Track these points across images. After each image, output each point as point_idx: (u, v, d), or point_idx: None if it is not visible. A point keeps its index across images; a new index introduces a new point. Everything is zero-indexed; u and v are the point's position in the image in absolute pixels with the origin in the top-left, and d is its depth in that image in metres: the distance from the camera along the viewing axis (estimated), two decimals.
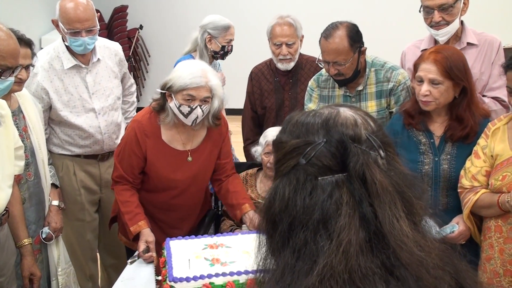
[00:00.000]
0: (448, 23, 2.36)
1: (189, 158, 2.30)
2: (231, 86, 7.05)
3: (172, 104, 2.16)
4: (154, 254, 2.10)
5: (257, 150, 2.70)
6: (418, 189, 0.83)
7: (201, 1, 7.48)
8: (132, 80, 2.97)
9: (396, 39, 4.66)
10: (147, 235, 2.15)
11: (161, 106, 2.21)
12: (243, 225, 2.59)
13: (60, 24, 2.42)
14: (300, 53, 2.96)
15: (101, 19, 7.91)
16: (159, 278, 1.96)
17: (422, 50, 2.52)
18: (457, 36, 2.45)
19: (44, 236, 2.24)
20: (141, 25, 7.26)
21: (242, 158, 3.23)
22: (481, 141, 1.99)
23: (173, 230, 2.35)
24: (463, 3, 2.38)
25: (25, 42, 2.08)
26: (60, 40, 2.54)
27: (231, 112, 6.46)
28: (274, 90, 3.01)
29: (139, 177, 2.31)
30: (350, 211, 0.77)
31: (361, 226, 0.76)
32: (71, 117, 2.55)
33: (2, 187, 1.82)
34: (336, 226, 0.76)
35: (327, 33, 2.31)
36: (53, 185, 2.36)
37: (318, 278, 0.73)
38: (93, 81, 2.60)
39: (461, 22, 2.47)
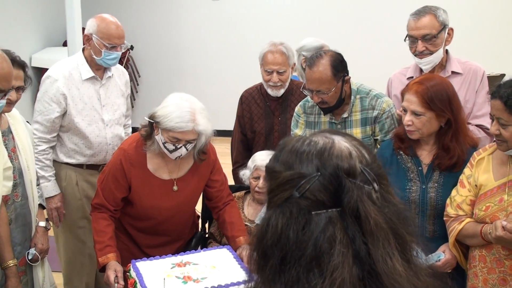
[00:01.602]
0: (431, 53, 2.42)
1: (175, 188, 2.31)
2: (221, 107, 7.11)
3: (158, 137, 2.18)
4: (122, 282, 2.08)
5: (245, 173, 2.71)
6: (411, 224, 0.83)
7: (192, 23, 7.55)
8: (130, 105, 3.09)
9: (383, 66, 4.75)
10: (115, 265, 2.13)
11: (148, 134, 2.22)
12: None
13: (97, 39, 2.61)
14: (291, 79, 2.99)
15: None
16: None
17: (408, 78, 2.57)
18: (442, 65, 2.51)
19: (30, 257, 2.20)
20: (131, 45, 7.31)
21: (230, 181, 3.24)
22: (466, 171, 2.02)
23: (158, 254, 2.34)
24: (448, 33, 2.45)
25: (18, 64, 2.10)
26: (80, 53, 2.75)
27: (220, 133, 6.50)
28: (264, 115, 3.03)
29: (119, 205, 2.31)
30: (343, 250, 0.76)
31: (354, 264, 0.76)
32: (82, 124, 2.69)
33: None
34: (330, 265, 0.75)
35: (311, 62, 2.35)
36: (40, 206, 2.35)
37: None
38: (104, 94, 2.78)
39: (446, 51, 2.53)
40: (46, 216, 2.47)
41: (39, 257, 2.24)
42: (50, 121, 2.64)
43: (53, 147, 2.74)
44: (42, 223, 2.30)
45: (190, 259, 2.12)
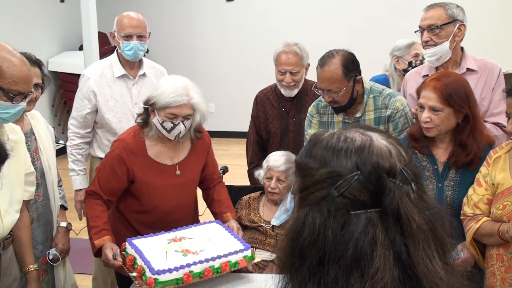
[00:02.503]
0: (436, 44, 2.41)
1: (178, 172, 2.35)
2: (237, 108, 7.10)
3: (155, 120, 2.23)
4: (120, 259, 2.09)
5: (260, 173, 2.73)
6: (447, 225, 0.81)
7: (207, 24, 7.59)
8: None
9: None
10: (111, 245, 2.15)
11: (144, 121, 2.27)
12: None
13: (116, 34, 2.81)
14: (305, 79, 2.99)
15: (108, 42, 8.01)
16: (134, 274, 1.98)
17: (423, 76, 2.56)
18: (457, 62, 2.50)
19: (51, 257, 2.25)
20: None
21: (246, 181, 3.25)
22: (483, 169, 2.00)
23: None
24: (459, 28, 2.42)
25: (34, 62, 2.15)
26: (115, 53, 2.92)
27: (237, 135, 6.51)
28: (279, 115, 3.04)
29: (114, 195, 2.32)
30: (385, 252, 0.74)
31: (395, 267, 0.74)
32: (113, 120, 2.84)
33: (9, 211, 1.82)
34: (372, 267, 0.73)
35: (323, 61, 2.37)
36: (62, 206, 2.39)
37: None
38: (137, 93, 2.89)
39: (462, 49, 2.52)
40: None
41: (60, 257, 2.28)
42: (82, 117, 2.82)
43: (88, 143, 2.86)
44: (63, 224, 2.34)
45: (184, 234, 2.17)
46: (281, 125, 3.03)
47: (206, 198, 2.61)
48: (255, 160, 3.12)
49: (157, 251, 2.02)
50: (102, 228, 2.20)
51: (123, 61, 2.86)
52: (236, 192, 2.92)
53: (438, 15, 2.40)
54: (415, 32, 2.51)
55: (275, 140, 3.05)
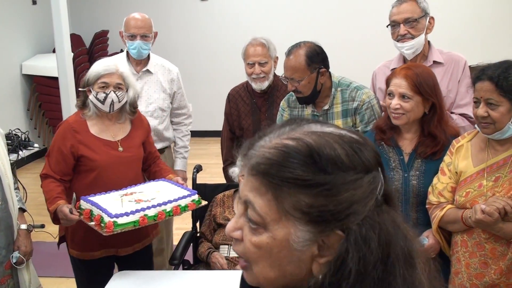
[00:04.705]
0: (413, 37, 2.44)
1: (120, 148, 2.44)
2: (213, 108, 7.05)
3: (91, 96, 2.37)
4: (77, 213, 2.20)
5: (234, 171, 2.73)
6: None
7: (181, 24, 7.56)
8: (185, 110, 3.34)
9: (367, 60, 4.75)
10: (66, 204, 2.24)
11: (83, 103, 2.43)
12: (221, 246, 2.61)
13: (123, 33, 3.02)
14: (276, 74, 3.00)
15: (82, 43, 7.88)
16: (93, 223, 2.13)
17: (392, 69, 2.58)
18: (424, 55, 2.53)
19: (14, 260, 2.21)
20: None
21: (222, 179, 3.25)
22: (446, 158, 2.04)
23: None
24: (429, 22, 2.47)
25: None
26: (124, 51, 3.15)
27: (214, 134, 6.48)
28: (251, 112, 3.05)
29: (66, 175, 2.39)
30: None
31: None
32: None
33: None
34: None
35: (290, 50, 2.43)
36: (20, 209, 2.35)
37: None
38: (140, 88, 2.99)
39: (428, 42, 2.55)
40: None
41: (24, 260, 2.24)
42: None
43: None
44: (24, 226, 2.31)
45: (134, 190, 2.35)
46: (253, 121, 3.04)
47: (148, 176, 2.68)
48: (229, 157, 3.13)
49: (112, 202, 2.19)
50: (55, 197, 2.29)
51: (131, 58, 3.06)
52: (210, 190, 2.92)
53: (412, 9, 2.43)
54: (387, 26, 2.53)
55: (248, 136, 3.05)
